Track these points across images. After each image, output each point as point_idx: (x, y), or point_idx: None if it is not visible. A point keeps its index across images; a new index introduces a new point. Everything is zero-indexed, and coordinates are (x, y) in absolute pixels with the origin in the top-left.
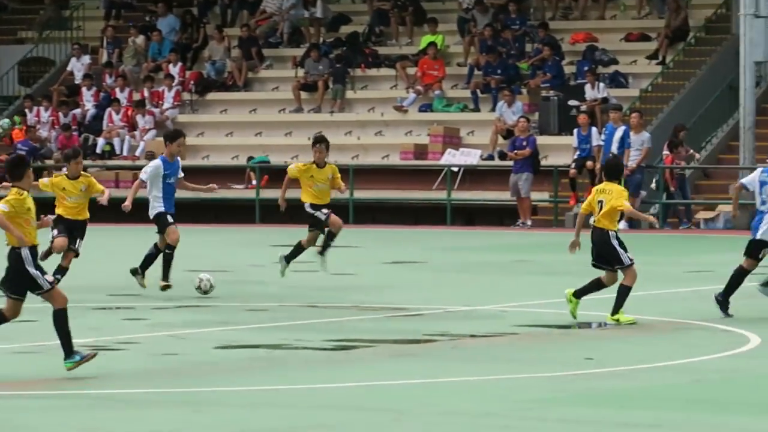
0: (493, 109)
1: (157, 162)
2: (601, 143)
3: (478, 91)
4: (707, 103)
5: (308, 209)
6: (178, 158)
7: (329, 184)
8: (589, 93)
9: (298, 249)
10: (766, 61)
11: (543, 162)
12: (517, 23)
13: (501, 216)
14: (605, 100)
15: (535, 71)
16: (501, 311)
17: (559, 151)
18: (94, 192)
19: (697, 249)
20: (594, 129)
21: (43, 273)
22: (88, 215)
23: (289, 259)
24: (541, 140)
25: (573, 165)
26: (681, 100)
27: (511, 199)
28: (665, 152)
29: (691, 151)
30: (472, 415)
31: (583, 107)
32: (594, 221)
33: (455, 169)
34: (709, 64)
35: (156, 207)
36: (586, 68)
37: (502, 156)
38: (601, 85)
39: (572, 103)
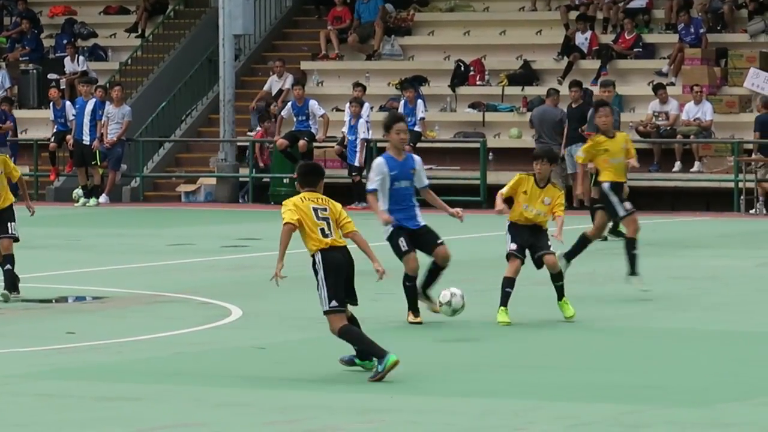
0: None
1: (378, 160)
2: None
3: None
4: (187, 76)
5: (606, 190)
6: (412, 155)
7: (625, 156)
8: (69, 66)
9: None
10: (245, 34)
11: (22, 135)
12: None
13: None
14: (85, 73)
15: (14, 44)
16: None
17: (38, 124)
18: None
19: (177, 222)
20: (68, 103)
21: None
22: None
23: (569, 257)
24: (21, 114)
25: (52, 139)
26: (161, 73)
27: None
28: (258, 127)
29: None
30: None
31: (63, 81)
32: None
33: None
34: (188, 37)
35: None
36: (65, 41)
37: None
38: (81, 58)
39: (52, 76)
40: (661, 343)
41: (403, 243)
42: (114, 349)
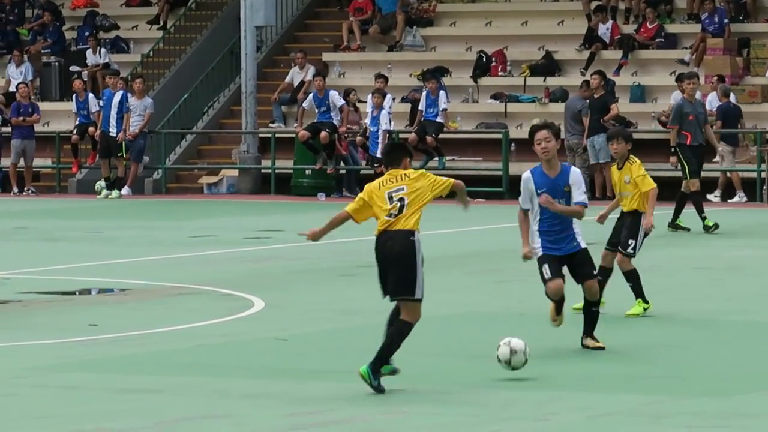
0: None
1: (524, 175)
2: (99, 109)
3: None
4: (209, 68)
5: None
6: (570, 168)
7: None
8: (91, 58)
9: None
10: (267, 26)
11: (44, 128)
12: None
13: (3, 183)
14: (107, 65)
15: (36, 37)
16: (4, 278)
17: (61, 117)
18: None
19: (200, 213)
20: (91, 95)
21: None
22: None
23: None
24: (44, 106)
25: (75, 131)
26: (182, 65)
27: (20, 167)
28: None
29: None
30: None
31: (85, 73)
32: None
33: None
34: (210, 29)
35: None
36: (87, 33)
37: (5, 123)
38: (103, 50)
39: (74, 68)
40: (683, 334)
41: (546, 271)
42: (136, 341)
